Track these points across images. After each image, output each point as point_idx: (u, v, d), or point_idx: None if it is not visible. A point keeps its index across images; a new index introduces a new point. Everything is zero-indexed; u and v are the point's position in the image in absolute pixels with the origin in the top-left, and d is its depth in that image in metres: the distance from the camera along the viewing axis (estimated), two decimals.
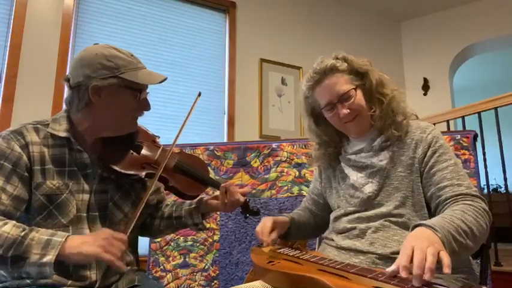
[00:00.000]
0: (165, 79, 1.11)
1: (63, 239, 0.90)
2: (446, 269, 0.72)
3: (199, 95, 1.25)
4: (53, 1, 2.81)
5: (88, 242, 0.90)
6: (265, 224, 1.17)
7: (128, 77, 1.04)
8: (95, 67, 1.02)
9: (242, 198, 1.22)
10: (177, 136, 1.18)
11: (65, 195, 1.01)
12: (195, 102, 1.22)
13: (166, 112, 3.03)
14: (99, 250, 0.89)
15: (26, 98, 2.59)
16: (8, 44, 2.61)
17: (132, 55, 1.10)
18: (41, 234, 0.91)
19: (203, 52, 3.37)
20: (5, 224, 0.90)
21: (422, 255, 0.74)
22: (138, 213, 1.02)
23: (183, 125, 1.18)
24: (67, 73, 1.10)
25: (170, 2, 3.28)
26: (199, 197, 1.27)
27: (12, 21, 2.64)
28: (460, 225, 0.88)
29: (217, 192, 1.22)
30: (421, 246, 0.76)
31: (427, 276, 0.71)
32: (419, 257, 0.73)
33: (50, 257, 0.87)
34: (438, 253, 0.75)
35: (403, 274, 0.73)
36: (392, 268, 0.77)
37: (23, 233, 0.90)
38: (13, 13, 2.65)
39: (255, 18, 3.65)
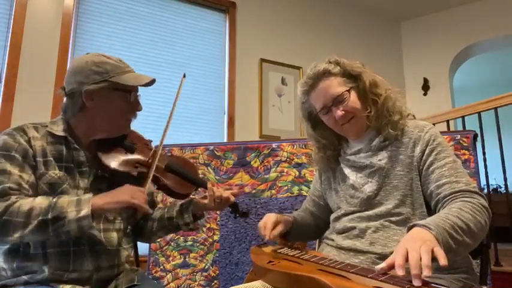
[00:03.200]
0: (153, 80, 1.17)
1: (91, 196, 1.01)
2: (442, 261, 0.73)
3: (184, 76, 1.33)
4: (53, 1, 2.81)
5: (114, 193, 1.04)
6: (268, 219, 1.19)
7: (116, 80, 1.12)
8: (86, 73, 1.10)
9: (232, 198, 1.27)
10: (166, 128, 1.27)
11: (65, 184, 1.08)
12: (181, 85, 1.30)
13: (166, 112, 3.01)
14: (128, 197, 1.02)
15: (26, 98, 2.59)
16: (8, 44, 2.61)
17: (120, 60, 1.17)
18: (69, 198, 1.00)
19: (203, 52, 3.36)
20: (35, 199, 0.99)
21: (417, 255, 0.74)
22: (155, 164, 1.15)
23: (173, 109, 1.27)
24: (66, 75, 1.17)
25: (170, 2, 3.28)
26: (190, 197, 1.31)
27: (12, 21, 2.64)
28: (456, 222, 0.88)
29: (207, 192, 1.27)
30: (414, 246, 0.76)
31: (425, 273, 0.71)
32: (415, 257, 0.74)
33: (86, 210, 0.97)
34: (432, 250, 0.75)
35: (399, 273, 0.74)
36: (381, 266, 0.78)
37: (54, 199, 0.98)
38: (13, 13, 2.65)
39: (255, 18, 3.65)
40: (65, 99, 1.15)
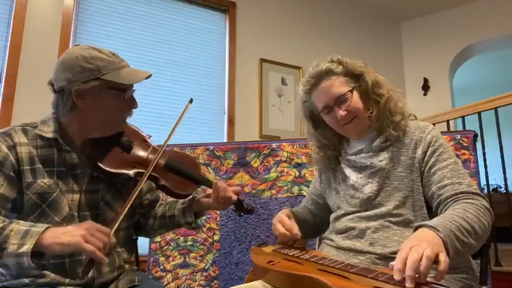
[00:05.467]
0: (150, 75, 1.09)
1: (42, 229, 0.88)
2: (438, 276, 0.72)
3: (191, 101, 1.26)
4: (53, 1, 2.81)
5: (68, 232, 0.88)
6: (284, 220, 1.16)
7: (110, 77, 1.03)
8: (75, 70, 1.01)
9: (234, 196, 1.21)
10: (168, 138, 1.19)
11: (56, 193, 1.02)
12: (186, 109, 1.23)
13: (166, 112, 3.03)
14: (79, 239, 0.86)
15: (26, 98, 2.59)
16: (8, 44, 2.61)
17: (113, 54, 1.08)
18: (20, 226, 0.89)
19: (203, 52, 3.36)
20: None
21: (417, 256, 0.73)
22: (126, 210, 1.00)
23: (174, 129, 1.19)
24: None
25: (170, 2, 3.28)
26: (192, 195, 1.26)
27: (12, 21, 2.64)
28: (462, 224, 0.88)
29: (210, 191, 1.22)
30: (418, 248, 0.75)
31: (420, 279, 0.71)
32: (414, 259, 0.73)
33: (27, 247, 0.84)
34: (437, 255, 0.75)
35: (395, 277, 0.73)
36: (392, 263, 0.77)
37: (2, 225, 0.89)
38: (13, 13, 2.65)
39: (255, 18, 3.65)
40: (55, 95, 1.08)
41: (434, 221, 0.87)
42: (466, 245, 0.87)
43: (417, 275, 0.72)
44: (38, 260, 0.88)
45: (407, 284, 0.70)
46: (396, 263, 0.75)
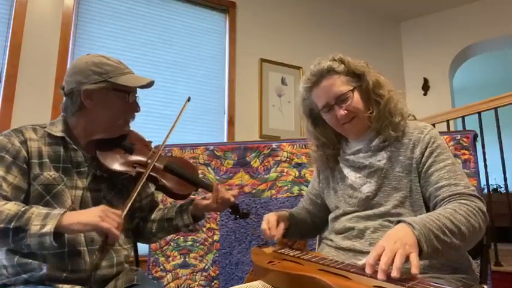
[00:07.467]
0: (152, 82, 1.18)
1: (62, 212, 0.96)
2: (414, 269, 0.75)
3: (189, 100, 1.34)
4: (53, 1, 2.81)
5: (86, 214, 0.97)
6: (269, 219, 1.19)
7: (115, 80, 1.13)
8: (85, 73, 1.12)
9: (232, 198, 1.27)
10: (166, 137, 1.26)
11: (60, 186, 1.08)
12: (183, 107, 1.30)
13: (167, 112, 3.03)
14: (97, 219, 0.94)
15: (26, 98, 2.59)
16: (8, 44, 2.61)
17: (120, 62, 1.18)
18: (40, 209, 0.97)
19: (203, 52, 3.36)
20: (6, 203, 0.97)
21: (391, 254, 0.77)
22: (135, 194, 1.09)
23: (173, 127, 1.26)
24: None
25: (170, 2, 3.28)
26: (190, 198, 1.31)
27: (12, 21, 2.64)
28: (445, 224, 0.88)
29: (209, 194, 1.27)
30: (392, 247, 0.78)
31: (393, 274, 0.74)
32: (387, 257, 0.76)
33: (49, 227, 0.92)
34: (408, 256, 0.77)
35: (367, 270, 0.78)
36: (362, 262, 0.81)
37: (23, 209, 0.96)
38: (13, 13, 2.65)
39: (255, 18, 3.65)
40: (64, 98, 1.16)
41: (415, 218, 0.89)
42: (447, 244, 0.87)
43: (390, 271, 0.75)
44: (54, 260, 0.97)
45: (380, 276, 0.74)
46: (369, 259, 0.79)
